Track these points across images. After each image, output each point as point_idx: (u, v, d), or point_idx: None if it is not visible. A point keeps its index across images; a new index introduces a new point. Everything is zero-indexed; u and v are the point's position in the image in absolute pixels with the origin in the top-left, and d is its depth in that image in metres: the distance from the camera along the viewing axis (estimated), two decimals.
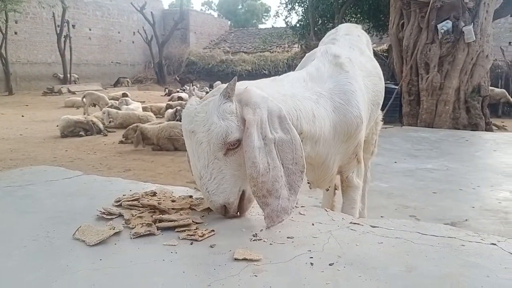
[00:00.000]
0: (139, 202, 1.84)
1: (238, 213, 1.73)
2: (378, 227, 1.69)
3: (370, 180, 3.51)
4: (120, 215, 1.76)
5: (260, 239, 1.56)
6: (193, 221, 1.67)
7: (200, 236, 1.54)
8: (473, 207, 3.80)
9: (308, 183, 2.36)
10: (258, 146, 1.54)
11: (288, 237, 1.58)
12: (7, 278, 1.33)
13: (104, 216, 1.76)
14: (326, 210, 1.90)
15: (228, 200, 1.60)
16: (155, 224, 1.64)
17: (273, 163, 1.56)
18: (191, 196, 1.97)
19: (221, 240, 1.55)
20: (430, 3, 8.44)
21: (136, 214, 1.74)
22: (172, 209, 1.78)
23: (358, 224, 1.72)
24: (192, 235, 1.55)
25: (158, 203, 1.81)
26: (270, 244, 1.53)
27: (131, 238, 1.57)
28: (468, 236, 1.60)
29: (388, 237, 1.59)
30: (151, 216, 1.71)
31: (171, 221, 1.64)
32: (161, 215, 1.70)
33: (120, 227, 1.63)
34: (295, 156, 1.62)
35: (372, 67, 2.58)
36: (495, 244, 1.52)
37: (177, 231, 1.61)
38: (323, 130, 1.90)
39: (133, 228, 1.62)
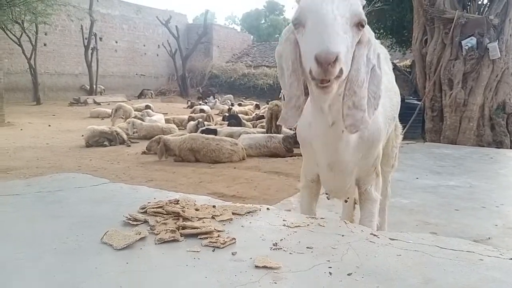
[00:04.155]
0: (163, 209, 1.91)
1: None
2: (396, 240, 1.71)
3: (391, 195, 3.50)
4: (145, 221, 1.83)
5: (280, 248, 1.60)
6: (215, 229, 1.72)
7: (222, 244, 1.59)
8: (496, 225, 3.74)
9: (326, 193, 2.39)
10: (365, 60, 1.66)
11: (307, 247, 1.62)
12: (38, 278, 1.40)
13: (130, 222, 1.83)
14: (345, 222, 1.93)
15: (340, 54, 1.47)
16: (178, 230, 1.70)
17: (366, 83, 1.68)
18: (214, 206, 2.03)
19: (242, 248, 1.59)
20: (454, 19, 8.38)
21: (160, 221, 1.81)
22: (195, 217, 1.84)
23: (377, 236, 1.74)
24: (214, 242, 1.60)
25: (182, 211, 1.87)
26: (290, 253, 1.57)
27: (155, 243, 1.64)
28: (487, 250, 1.60)
29: (406, 249, 1.61)
30: (175, 223, 1.78)
31: (194, 228, 1.70)
32: (184, 222, 1.76)
33: (146, 232, 1.70)
34: (377, 91, 1.75)
35: (388, 81, 2.61)
36: None
37: (200, 238, 1.67)
38: (353, 137, 1.95)
39: (157, 234, 1.69)
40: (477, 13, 8.88)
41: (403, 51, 15.99)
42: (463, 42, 8.41)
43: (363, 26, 1.61)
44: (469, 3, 9.39)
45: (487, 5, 9.09)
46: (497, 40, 8.25)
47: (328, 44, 1.45)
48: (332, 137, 1.88)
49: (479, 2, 9.65)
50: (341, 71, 1.51)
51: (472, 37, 8.37)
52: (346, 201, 2.82)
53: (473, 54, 8.27)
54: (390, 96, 2.58)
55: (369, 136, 2.04)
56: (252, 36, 43.76)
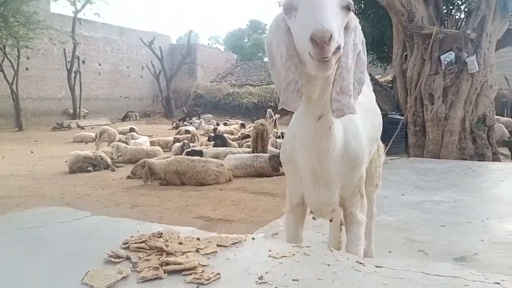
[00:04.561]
0: (146, 244, 1.88)
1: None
2: (382, 267, 1.71)
3: (377, 214, 3.50)
4: (128, 258, 1.80)
5: (266, 282, 1.58)
6: (199, 264, 1.70)
7: (206, 280, 1.57)
8: (482, 240, 3.76)
9: (311, 212, 2.38)
10: (352, 46, 1.71)
11: (293, 279, 1.60)
12: None
13: (112, 259, 1.79)
14: (331, 250, 1.92)
15: (334, 32, 1.51)
16: (162, 267, 1.67)
17: (352, 68, 1.73)
18: (198, 238, 2.00)
19: (227, 284, 1.57)
20: (433, 35, 8.56)
21: (143, 257, 1.77)
22: (179, 251, 1.81)
23: (362, 264, 1.73)
24: (198, 278, 1.58)
25: (165, 245, 1.84)
26: (276, 287, 1.55)
27: (138, 282, 1.60)
28: (473, 275, 1.61)
29: (392, 277, 1.61)
30: (158, 258, 1.75)
31: (178, 264, 1.67)
32: (168, 258, 1.73)
33: (128, 271, 1.67)
34: (361, 76, 1.80)
35: (368, 102, 2.63)
36: (499, 283, 1.52)
37: (184, 274, 1.64)
38: (338, 141, 1.95)
39: (140, 271, 1.65)
40: (454, 28, 9.08)
41: (384, 67, 16.21)
42: (442, 57, 8.58)
43: (349, 10, 1.67)
44: (447, 19, 9.62)
45: (464, 20, 9.31)
46: (475, 54, 8.42)
47: (322, 23, 1.48)
48: (319, 133, 1.87)
49: (456, 17, 9.90)
50: (338, 47, 1.56)
51: (450, 52, 8.54)
52: (331, 221, 2.81)
53: (452, 69, 8.43)
54: (372, 117, 2.59)
55: (352, 156, 2.05)
56: (235, 55, 44.08)
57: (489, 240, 3.76)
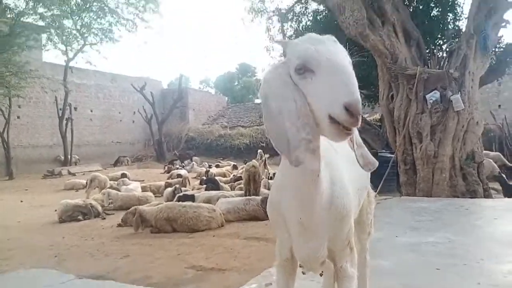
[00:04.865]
0: None
1: None
2: None
3: (370, 261, 3.44)
4: None
5: None
6: None
7: None
8: (479, 283, 3.70)
9: (301, 266, 2.33)
10: None
11: None
12: None
13: None
14: None
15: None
16: None
17: None
18: None
19: None
20: (417, 75, 8.75)
21: None
22: None
23: None
24: None
25: None
26: None
27: None
28: None
29: None
30: None
31: None
32: None
33: None
34: None
35: None
36: None
37: None
38: (326, 190, 1.93)
39: None
40: (437, 67, 9.32)
41: (372, 106, 16.46)
42: (427, 96, 8.75)
43: None
44: (429, 59, 9.89)
45: (447, 59, 9.58)
46: (459, 92, 8.60)
47: (357, 95, 1.51)
48: (307, 182, 1.83)
49: (439, 56, 10.17)
50: None
51: (435, 91, 8.72)
52: (321, 275, 2.75)
53: (438, 107, 8.58)
54: (358, 166, 2.59)
55: (339, 206, 2.02)
56: (226, 98, 44.70)
57: (485, 283, 3.70)
